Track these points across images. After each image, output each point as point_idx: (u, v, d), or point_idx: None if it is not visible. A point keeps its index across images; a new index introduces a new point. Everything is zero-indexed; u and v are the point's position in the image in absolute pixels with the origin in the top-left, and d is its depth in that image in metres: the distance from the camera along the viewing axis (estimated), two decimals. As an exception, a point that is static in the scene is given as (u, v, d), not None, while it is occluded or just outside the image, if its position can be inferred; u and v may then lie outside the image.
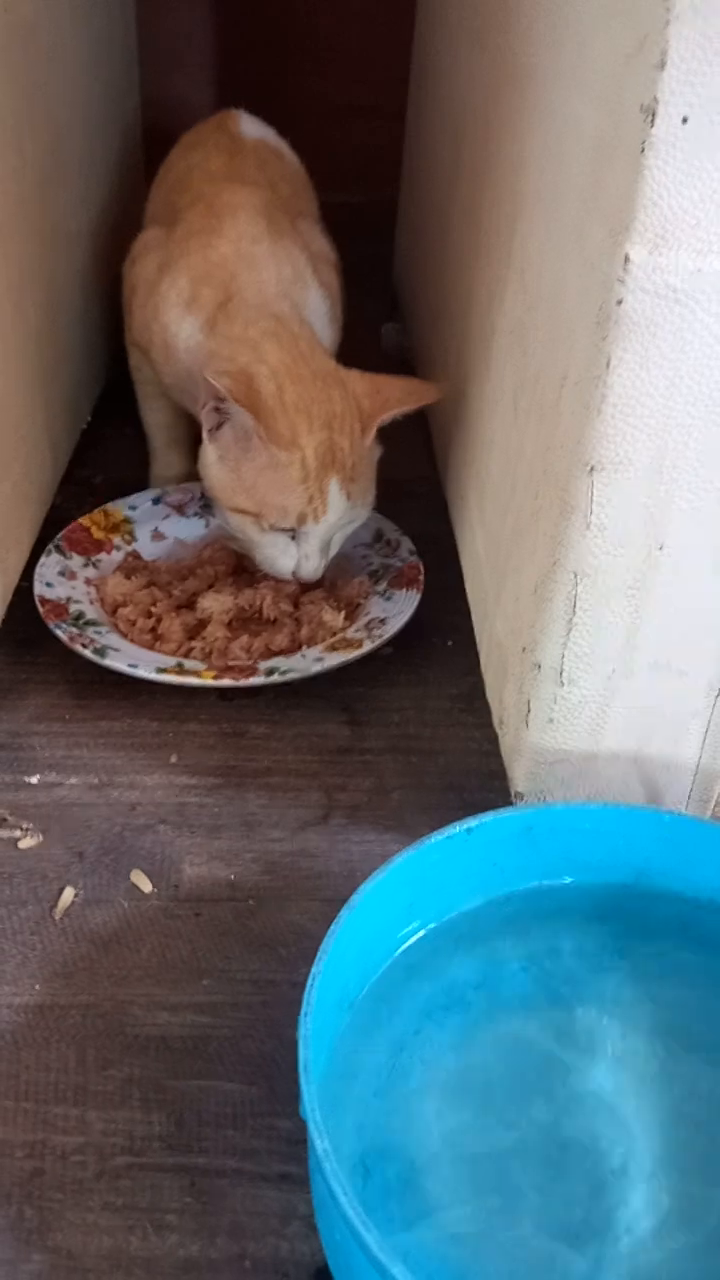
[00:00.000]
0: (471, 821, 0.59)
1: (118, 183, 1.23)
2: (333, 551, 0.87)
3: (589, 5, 0.58)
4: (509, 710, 0.70)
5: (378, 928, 0.57)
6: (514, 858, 0.61)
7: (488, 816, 0.59)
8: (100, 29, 1.13)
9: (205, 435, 0.84)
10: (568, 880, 0.62)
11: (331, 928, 0.52)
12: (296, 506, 0.81)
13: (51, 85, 0.94)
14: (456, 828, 0.58)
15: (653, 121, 0.48)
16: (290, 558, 0.84)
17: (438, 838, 0.58)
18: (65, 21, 0.99)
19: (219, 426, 0.83)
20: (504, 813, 0.59)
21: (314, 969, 0.51)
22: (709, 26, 0.46)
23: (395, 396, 0.84)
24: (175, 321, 0.91)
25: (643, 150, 0.49)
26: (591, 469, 0.56)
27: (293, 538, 0.83)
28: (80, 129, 1.06)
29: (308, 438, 0.80)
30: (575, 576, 0.60)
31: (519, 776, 0.69)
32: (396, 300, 1.46)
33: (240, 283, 0.89)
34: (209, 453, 0.84)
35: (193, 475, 1.05)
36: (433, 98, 1.17)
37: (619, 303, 0.52)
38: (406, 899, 0.58)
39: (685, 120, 0.48)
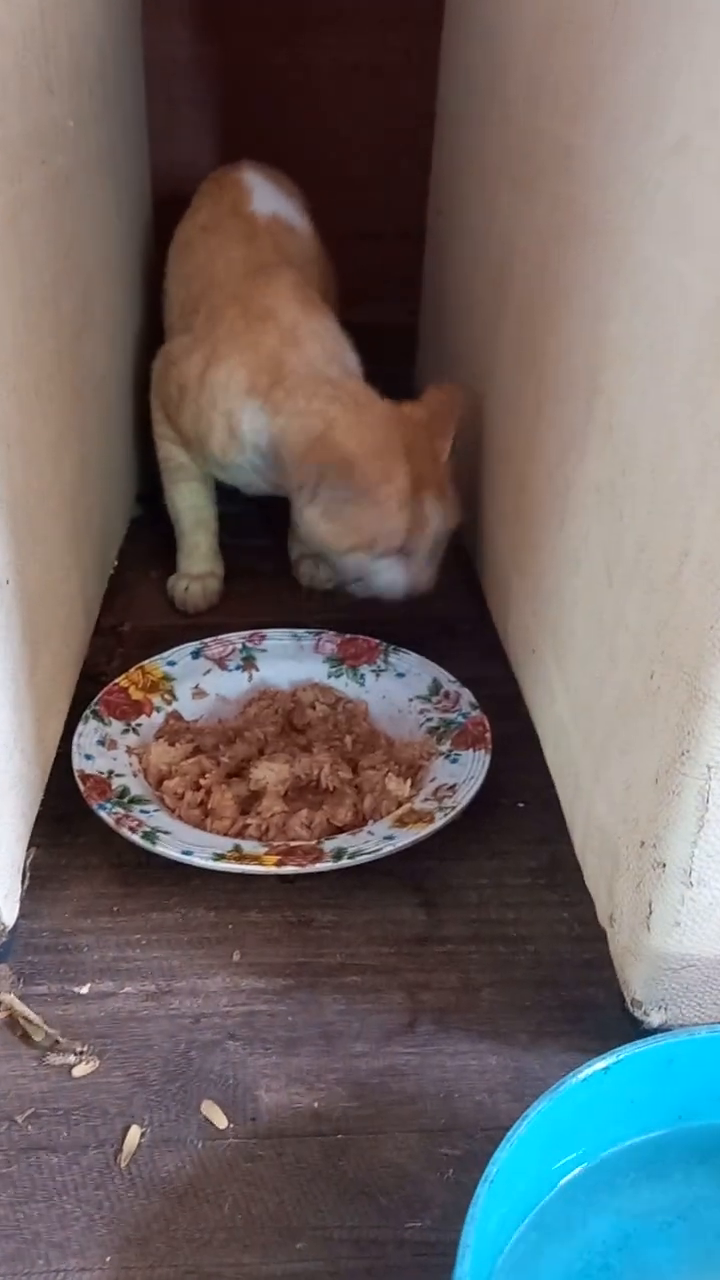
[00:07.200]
0: (610, 1059, 0.51)
1: (140, 323, 1.20)
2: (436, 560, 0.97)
3: (691, 171, 0.55)
4: (623, 908, 0.63)
5: (512, 1195, 0.49)
6: (653, 1094, 0.53)
7: (625, 1052, 0.52)
8: (122, 172, 1.11)
9: (303, 502, 0.94)
10: (713, 1118, 0.55)
11: (470, 1212, 0.45)
12: (403, 527, 0.92)
13: (83, 235, 0.91)
14: (591, 1068, 0.51)
15: None
16: (406, 574, 0.95)
17: (573, 1082, 0.50)
18: (94, 169, 0.97)
19: (315, 496, 0.93)
20: (643, 1046, 0.52)
21: (456, 1271, 0.43)
22: None
23: (449, 413, 0.98)
24: (239, 408, 0.97)
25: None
26: (730, 660, 0.50)
27: (400, 557, 0.94)
28: (106, 275, 1.03)
29: (396, 470, 0.91)
30: (709, 770, 0.54)
31: (636, 982, 0.62)
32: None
33: (292, 364, 0.97)
34: (311, 514, 0.94)
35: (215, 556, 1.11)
36: (462, 229, 1.15)
37: (761, 483, 0.47)
38: (539, 1156, 0.51)
39: None
